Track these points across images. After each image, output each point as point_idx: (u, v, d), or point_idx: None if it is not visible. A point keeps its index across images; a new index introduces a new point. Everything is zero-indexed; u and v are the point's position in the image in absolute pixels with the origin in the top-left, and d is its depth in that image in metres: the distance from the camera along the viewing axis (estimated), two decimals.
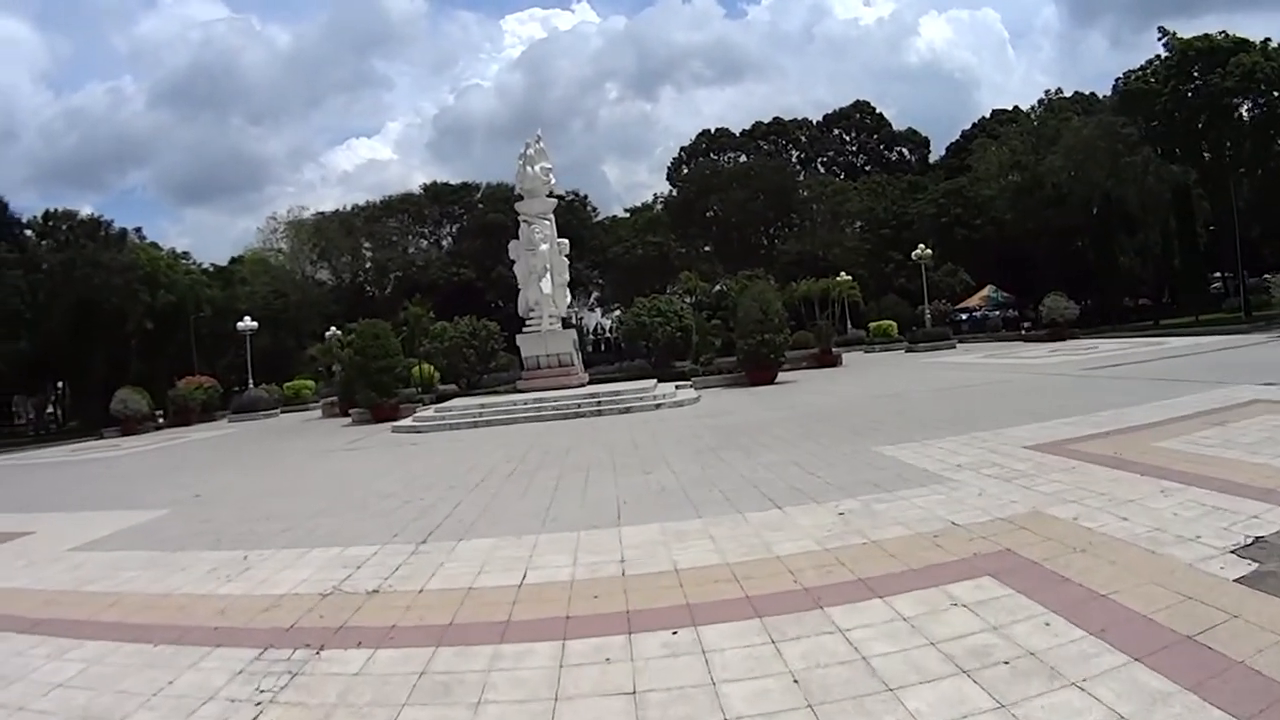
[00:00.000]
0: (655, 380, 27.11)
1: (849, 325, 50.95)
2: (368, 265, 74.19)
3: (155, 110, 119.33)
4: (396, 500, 11.04)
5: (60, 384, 58.78)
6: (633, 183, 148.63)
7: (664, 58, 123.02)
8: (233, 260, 71.65)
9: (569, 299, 30.24)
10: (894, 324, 47.09)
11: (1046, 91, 62.41)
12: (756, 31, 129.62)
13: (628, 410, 21.29)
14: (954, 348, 40.10)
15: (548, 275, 27.73)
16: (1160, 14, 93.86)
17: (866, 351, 43.79)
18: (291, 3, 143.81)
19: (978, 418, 13.52)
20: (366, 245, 73.90)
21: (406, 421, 23.70)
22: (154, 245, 61.60)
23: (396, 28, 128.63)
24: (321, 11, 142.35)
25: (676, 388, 25.65)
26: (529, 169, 28.15)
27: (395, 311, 43.93)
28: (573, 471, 11.90)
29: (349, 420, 28.75)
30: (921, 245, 48.36)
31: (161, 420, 41.51)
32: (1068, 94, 65.38)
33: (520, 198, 28.79)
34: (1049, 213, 51.86)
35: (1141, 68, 53.18)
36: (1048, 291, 41.52)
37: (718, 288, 45.31)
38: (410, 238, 78.22)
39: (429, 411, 24.22)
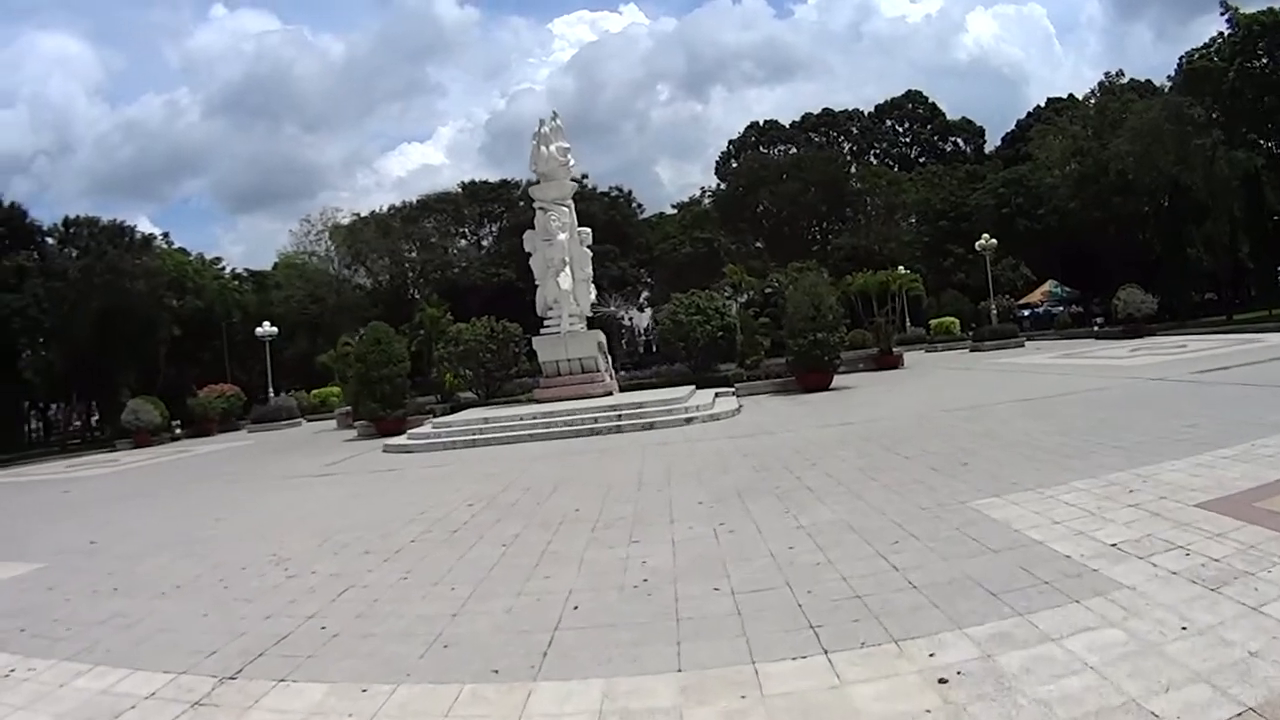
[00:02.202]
0: (693, 387, 23.72)
1: (908, 323, 47.36)
2: (406, 267, 71.56)
3: (210, 121, 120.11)
4: (281, 573, 7.89)
5: (79, 393, 57.04)
6: (685, 183, 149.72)
7: (714, 58, 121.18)
8: (275, 266, 70.24)
9: (593, 295, 26.72)
10: (956, 321, 44.36)
11: (1106, 74, 57.95)
12: (805, 31, 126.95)
13: (651, 426, 17.79)
14: (1022, 346, 36.86)
15: (566, 269, 24.29)
16: (1203, 3, 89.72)
17: (928, 351, 40.88)
18: (343, 13, 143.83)
19: (1097, 445, 9.92)
20: (405, 246, 71.26)
21: (401, 439, 20.53)
22: (181, 251, 60.50)
23: (448, 35, 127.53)
24: (374, 21, 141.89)
25: (715, 396, 22.26)
26: (544, 149, 24.72)
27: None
28: (536, 531, 8.43)
29: (355, 433, 26.19)
30: (985, 235, 45.35)
31: (179, 431, 39.35)
32: (1126, 79, 61.05)
33: (535, 182, 25.43)
34: (1115, 201, 48.53)
35: (1205, 45, 48.93)
36: (1112, 286, 38.46)
37: (768, 287, 41.96)
38: (449, 238, 75.54)
39: (426, 427, 20.96)
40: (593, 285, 26.79)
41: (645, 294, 77.06)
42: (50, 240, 50.39)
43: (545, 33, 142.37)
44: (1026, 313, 49.79)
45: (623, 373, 32.41)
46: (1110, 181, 48.38)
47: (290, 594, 7.07)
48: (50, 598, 8.07)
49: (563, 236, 24.32)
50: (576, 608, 5.75)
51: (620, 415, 18.46)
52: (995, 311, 43.09)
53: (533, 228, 25.49)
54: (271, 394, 44.49)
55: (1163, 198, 47.94)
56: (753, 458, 11.82)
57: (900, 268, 49.38)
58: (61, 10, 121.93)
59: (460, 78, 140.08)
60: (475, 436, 18.81)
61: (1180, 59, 50.12)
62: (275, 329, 45.84)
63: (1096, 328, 40.91)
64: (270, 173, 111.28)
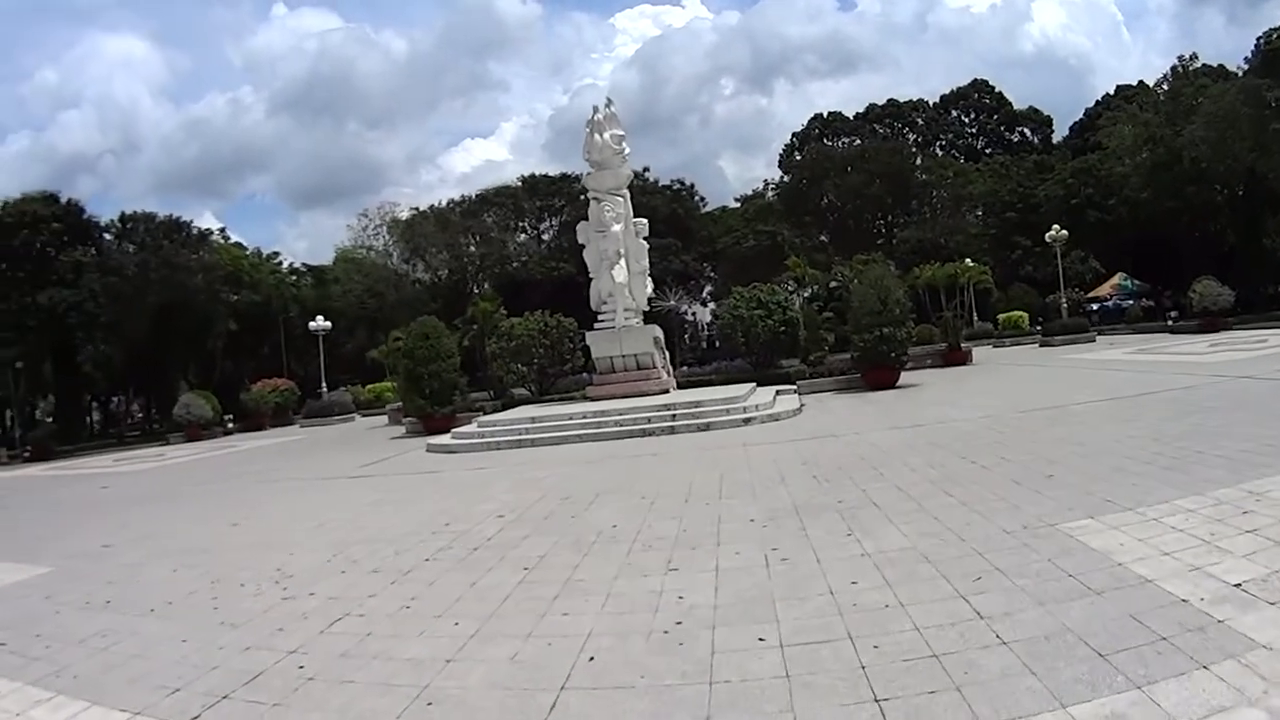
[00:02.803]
0: (753, 385, 22.61)
1: (974, 317, 45.77)
2: (465, 261, 71.30)
3: (274, 118, 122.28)
4: (278, 592, 7.20)
5: (136, 386, 58.07)
6: (750, 178, 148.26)
7: (777, 51, 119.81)
8: (334, 260, 70.73)
9: (650, 289, 25.69)
10: (1025, 315, 43.34)
11: (1179, 57, 55.08)
12: (869, 23, 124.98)
13: (707, 427, 16.75)
14: (1094, 341, 35.65)
15: (622, 261, 23.29)
16: None
17: (995, 346, 39.62)
18: (405, 11, 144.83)
19: (1196, 455, 8.73)
20: (464, 241, 71.01)
21: (445, 438, 19.77)
22: (238, 245, 61.17)
23: (511, 30, 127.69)
24: (436, 18, 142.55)
25: (776, 394, 21.13)
26: (597, 137, 23.72)
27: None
28: (565, 552, 7.48)
29: (404, 430, 25.70)
30: (1055, 226, 43.54)
31: (231, 425, 39.74)
32: (1199, 63, 58.27)
33: (590, 172, 24.49)
34: (1189, 190, 46.72)
35: None
36: (1184, 279, 36.91)
37: (833, 282, 40.63)
38: (509, 232, 75.18)
39: (471, 426, 20.15)
40: (650, 278, 25.82)
41: (709, 288, 76.02)
42: (108, 236, 51.10)
43: (608, 28, 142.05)
44: (1095, 307, 48.24)
45: (684, 368, 31.53)
46: (1184, 170, 46.51)
47: (279, 619, 6.30)
48: (44, 608, 7.67)
49: (617, 228, 23.33)
50: (592, 658, 4.78)
51: (674, 415, 17.45)
52: (1065, 305, 41.54)
53: (587, 219, 24.62)
54: (324, 389, 44.48)
55: (1238, 186, 46.21)
56: (813, 465, 10.75)
57: (967, 260, 47.66)
58: (125, 11, 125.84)
59: (523, 73, 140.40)
60: (521, 437, 17.96)
61: (1258, 39, 47.54)
62: (329, 323, 45.88)
63: (1171, 322, 39.25)
64: (334, 169, 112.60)
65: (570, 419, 18.56)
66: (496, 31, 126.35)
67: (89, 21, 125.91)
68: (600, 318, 23.79)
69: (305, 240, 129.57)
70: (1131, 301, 48.50)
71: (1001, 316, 44.24)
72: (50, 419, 52.50)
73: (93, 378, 49.70)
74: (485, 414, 23.74)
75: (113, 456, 31.86)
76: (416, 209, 71.54)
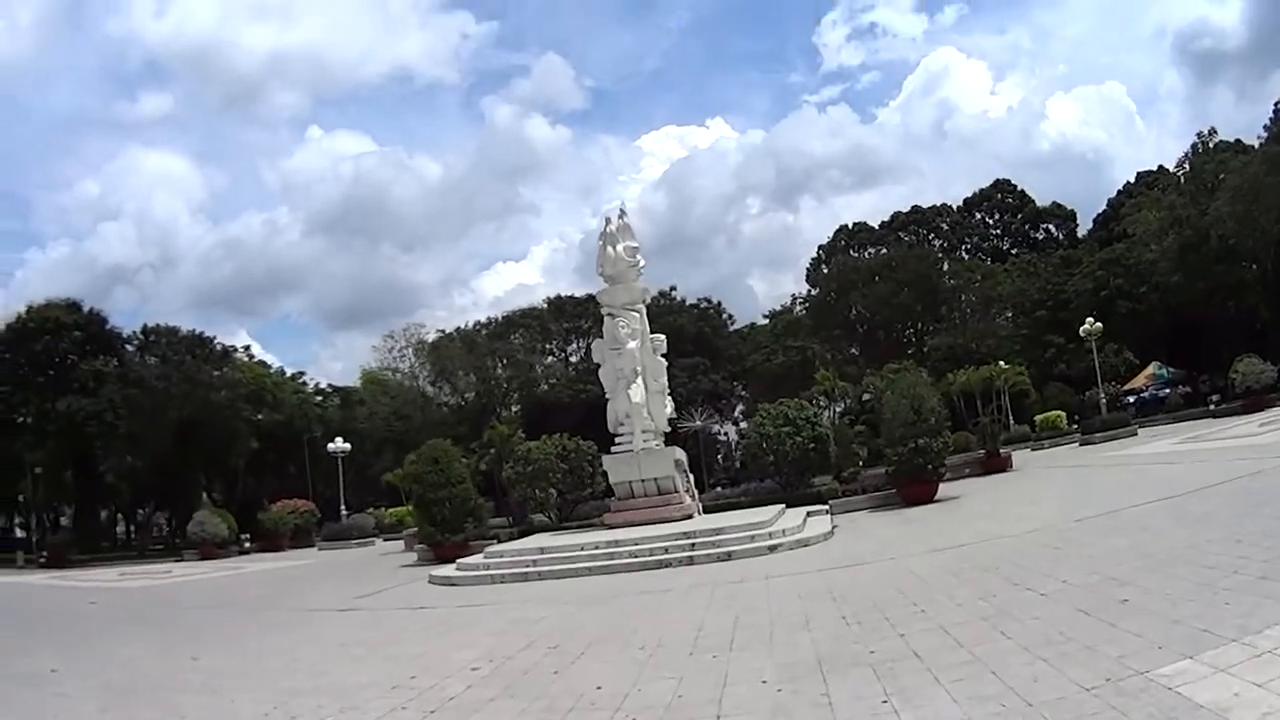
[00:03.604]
0: (781, 507, 21.13)
1: (1011, 421, 44.16)
2: (493, 384, 70.77)
3: (309, 239, 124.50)
4: None
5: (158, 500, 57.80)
6: (779, 295, 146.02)
7: (802, 168, 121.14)
8: (360, 381, 71.31)
9: (670, 409, 24.48)
10: (1063, 414, 41.91)
11: (1199, 134, 54.76)
12: (889, 134, 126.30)
13: (729, 557, 15.25)
14: (1135, 435, 34.16)
15: (639, 380, 22.21)
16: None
17: (1034, 449, 38.07)
18: (438, 135, 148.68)
19: None
20: (491, 363, 70.63)
21: (449, 569, 18.55)
22: (262, 364, 62.26)
23: (541, 155, 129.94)
24: (468, 142, 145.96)
25: (807, 516, 19.61)
26: (610, 249, 22.95)
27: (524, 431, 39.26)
28: None
29: (415, 557, 24.53)
30: (1090, 319, 42.49)
31: (248, 545, 39.39)
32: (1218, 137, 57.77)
33: (604, 287, 23.63)
34: (1218, 269, 46.34)
35: None
36: (1220, 360, 36.10)
37: (865, 394, 39.30)
38: (536, 354, 74.82)
39: (478, 557, 18.82)
40: (670, 397, 24.66)
41: (740, 407, 74.87)
42: (130, 347, 51.90)
43: (635, 150, 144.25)
44: (1132, 399, 46.82)
45: (718, 489, 30.30)
46: (1211, 248, 46.31)
47: None
48: None
49: (633, 344, 22.32)
50: None
51: (694, 545, 16.00)
52: (1104, 400, 40.27)
53: (602, 337, 23.67)
54: (344, 511, 43.54)
55: (1268, 259, 45.51)
56: (843, 601, 9.30)
57: (1000, 363, 46.37)
58: (166, 129, 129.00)
59: (553, 197, 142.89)
60: (527, 570, 16.56)
61: (1276, 104, 47.72)
62: (348, 445, 45.40)
63: (1213, 406, 38.43)
64: (368, 291, 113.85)
65: (581, 550, 17.17)
66: (527, 156, 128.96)
67: (131, 136, 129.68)
68: (617, 440, 22.57)
69: (340, 361, 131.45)
70: (1168, 390, 47.19)
71: (1039, 418, 42.84)
72: (69, 526, 52.62)
73: (116, 488, 49.69)
74: (500, 542, 22.48)
75: (120, 570, 31.64)
76: (443, 331, 71.70)
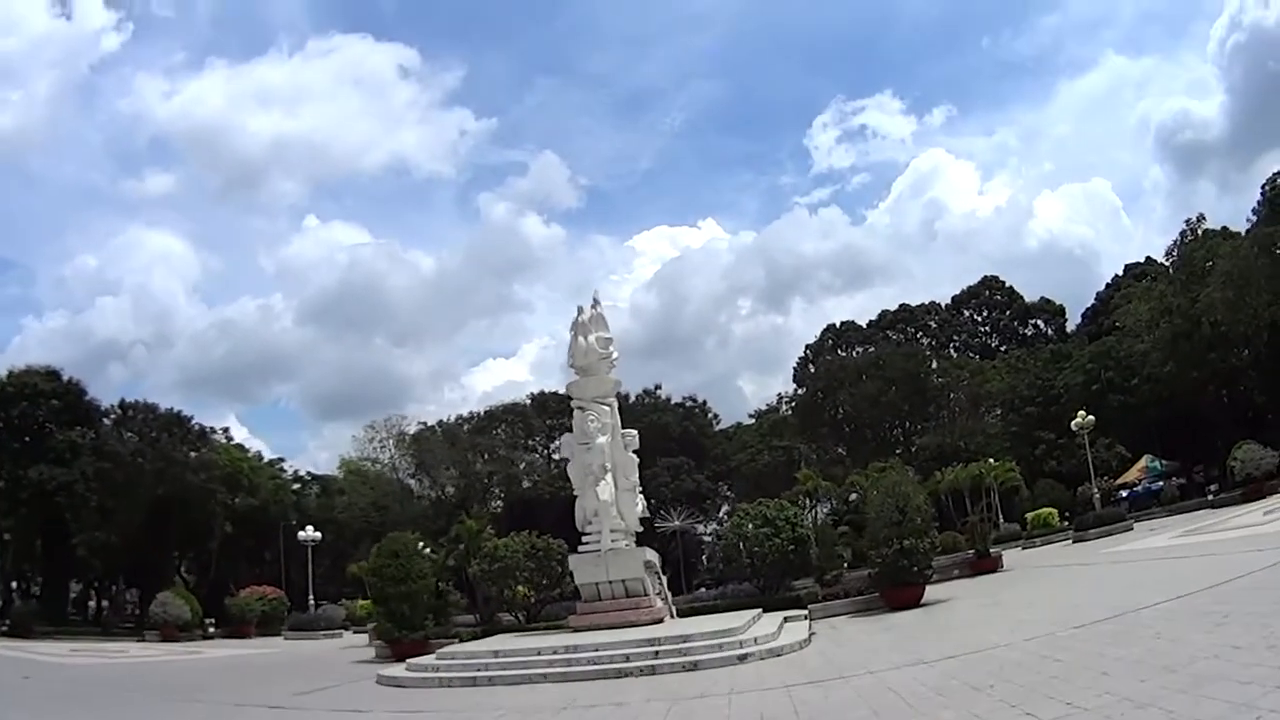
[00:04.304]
0: (758, 611, 19.75)
1: (1000, 519, 42.97)
2: (474, 479, 69.39)
3: (303, 327, 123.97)
4: None
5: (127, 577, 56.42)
6: (767, 396, 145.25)
7: (792, 268, 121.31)
8: (340, 469, 70.76)
9: (641, 507, 23.09)
10: (1054, 512, 40.52)
11: (1188, 221, 54.88)
12: (879, 235, 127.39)
13: (695, 666, 13.86)
14: (1131, 530, 33.34)
15: (608, 477, 20.97)
16: (1260, 147, 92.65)
17: (1025, 547, 36.99)
18: (433, 229, 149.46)
19: None
20: (472, 458, 69.36)
21: (397, 669, 17.25)
22: (239, 447, 60.95)
23: (536, 253, 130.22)
24: (462, 237, 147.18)
25: (784, 621, 18.35)
26: (581, 339, 21.95)
27: (505, 530, 37.88)
28: None
29: (374, 653, 22.91)
30: (1081, 412, 42.18)
31: (212, 630, 38.10)
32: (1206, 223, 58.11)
33: (574, 379, 22.57)
34: (1211, 357, 46.23)
35: None
36: (1214, 449, 35.22)
37: (852, 494, 38.03)
38: (517, 450, 73.57)
39: (429, 658, 17.44)
40: (641, 495, 23.37)
41: (725, 508, 73.45)
42: (108, 421, 50.63)
43: (628, 250, 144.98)
44: (1125, 493, 45.70)
45: (701, 590, 29.21)
46: (1203, 336, 46.09)
47: None
48: None
49: (603, 439, 21.17)
50: None
51: (658, 652, 14.66)
52: (1098, 494, 39.32)
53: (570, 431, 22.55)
54: (312, 601, 42.46)
55: (1260, 344, 44.92)
56: (818, 717, 8.03)
57: (990, 460, 45.34)
58: (167, 211, 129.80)
59: (546, 295, 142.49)
60: (477, 674, 15.22)
61: (1263, 188, 48.35)
62: (318, 534, 44.55)
63: (1211, 496, 37.73)
64: (358, 381, 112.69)
65: (539, 654, 15.74)
66: (522, 253, 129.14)
67: (133, 215, 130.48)
68: (585, 539, 21.28)
69: (327, 451, 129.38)
70: (1162, 483, 45.96)
71: (1030, 515, 41.50)
72: (35, 598, 51.40)
73: (88, 561, 48.41)
74: (461, 641, 21.18)
75: (73, 645, 31.07)
76: (424, 423, 70.54)
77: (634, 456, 22.87)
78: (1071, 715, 6.71)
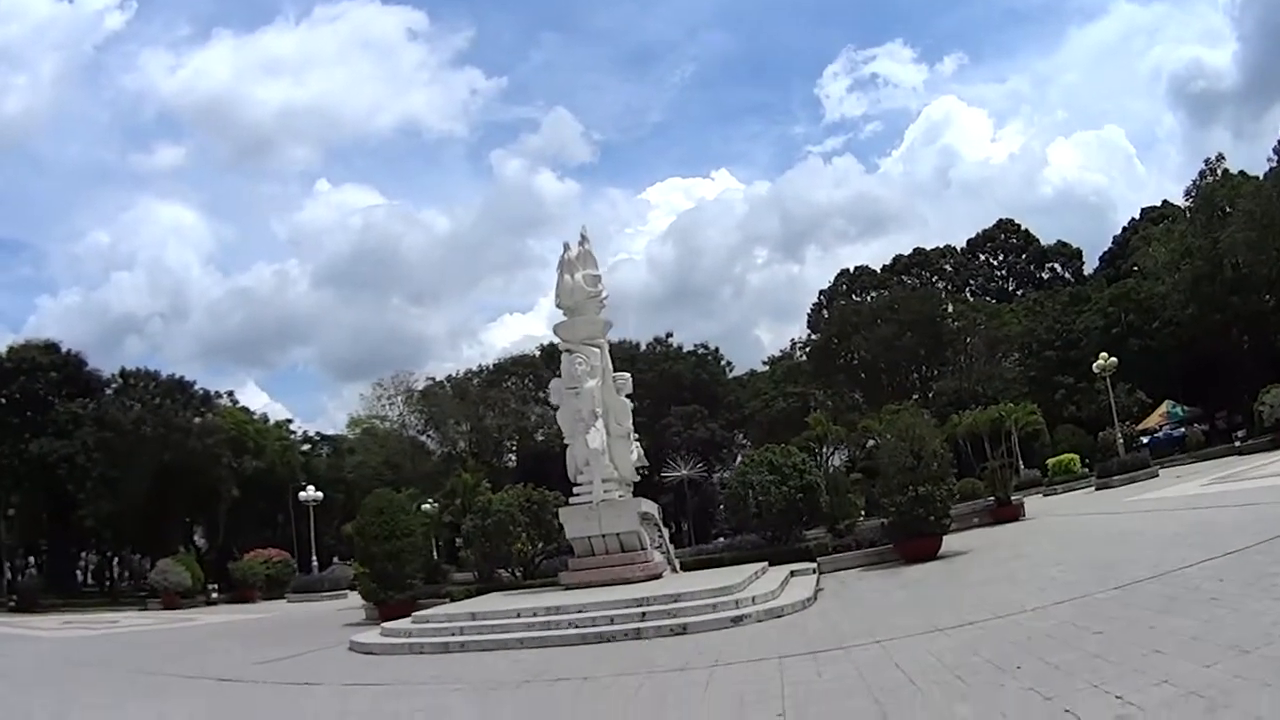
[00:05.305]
0: (763, 565, 18.50)
1: (1020, 465, 41.47)
2: (486, 433, 68.20)
3: (318, 291, 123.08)
4: None
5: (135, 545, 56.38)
6: (784, 344, 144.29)
7: (807, 218, 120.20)
8: (349, 428, 69.83)
9: (637, 455, 21.62)
10: (1075, 458, 39.41)
11: (1206, 161, 52.62)
12: (894, 184, 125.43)
13: (684, 630, 12.49)
14: (1157, 476, 31.85)
15: (599, 423, 19.55)
16: (1274, 96, 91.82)
17: (1046, 494, 35.81)
18: (446, 189, 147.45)
19: None
20: (483, 412, 68.12)
21: (370, 635, 16.08)
22: (244, 410, 60.38)
23: (550, 209, 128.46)
24: (476, 196, 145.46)
25: (790, 576, 16.98)
26: (568, 278, 20.37)
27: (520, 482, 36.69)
28: None
29: (363, 615, 21.73)
30: (1104, 355, 40.53)
31: (216, 595, 37.77)
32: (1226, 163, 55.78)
33: (561, 320, 21.04)
34: (1233, 300, 44.87)
35: None
36: (1237, 395, 34.88)
37: (870, 439, 36.40)
38: (529, 403, 72.22)
39: (404, 622, 16.12)
40: (637, 443, 21.92)
41: (740, 456, 72.13)
42: (109, 391, 50.40)
43: (641, 203, 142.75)
44: (1146, 440, 43.91)
45: (720, 540, 28.85)
46: (1225, 278, 45.06)
47: None
48: None
49: (592, 383, 19.72)
50: None
51: (644, 614, 13.27)
52: (1122, 440, 37.57)
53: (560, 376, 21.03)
54: (315, 562, 41.49)
55: None
56: (806, 703, 6.55)
57: (1010, 404, 43.84)
58: (177, 182, 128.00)
59: (560, 249, 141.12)
60: (449, 639, 13.95)
61: None
62: (320, 494, 43.02)
63: (1238, 442, 36.37)
64: (376, 342, 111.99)
65: (518, 617, 14.40)
66: (536, 209, 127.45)
67: (143, 188, 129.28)
68: (576, 490, 19.87)
69: (345, 412, 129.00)
70: (1183, 429, 44.67)
71: (1051, 461, 40.21)
72: (43, 569, 52.03)
73: (98, 532, 49.44)
74: (452, 600, 19.95)
75: (69, 618, 30.46)
76: (433, 379, 69.35)
77: (627, 401, 21.46)
78: (1125, 717, 5.14)
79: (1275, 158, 46.40)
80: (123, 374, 51.79)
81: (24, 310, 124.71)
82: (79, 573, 61.54)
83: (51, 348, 48.72)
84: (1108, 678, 5.98)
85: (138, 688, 12.48)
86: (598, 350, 20.54)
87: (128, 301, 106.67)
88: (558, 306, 20.92)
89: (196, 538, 54.48)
